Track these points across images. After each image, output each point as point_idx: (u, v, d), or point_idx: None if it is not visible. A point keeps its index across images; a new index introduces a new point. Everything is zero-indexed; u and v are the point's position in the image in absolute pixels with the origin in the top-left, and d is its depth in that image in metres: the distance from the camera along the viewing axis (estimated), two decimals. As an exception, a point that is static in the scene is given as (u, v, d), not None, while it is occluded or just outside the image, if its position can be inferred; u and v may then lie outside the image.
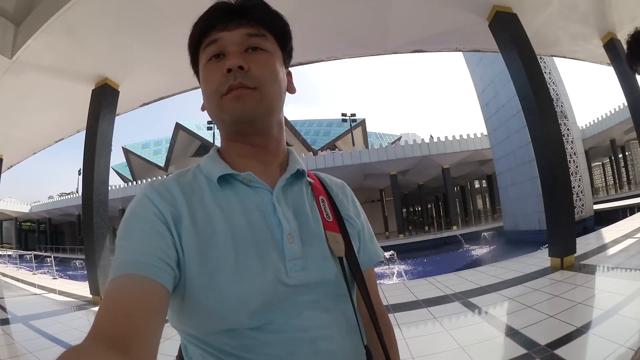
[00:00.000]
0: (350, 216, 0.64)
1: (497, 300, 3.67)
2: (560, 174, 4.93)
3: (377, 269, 10.19)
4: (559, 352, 2.20)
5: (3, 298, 6.51)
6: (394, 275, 9.76)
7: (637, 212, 9.78)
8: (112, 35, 5.02)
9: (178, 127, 34.24)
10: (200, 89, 0.59)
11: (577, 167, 13.09)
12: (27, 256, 13.14)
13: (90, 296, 5.58)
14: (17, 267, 12.37)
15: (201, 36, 0.56)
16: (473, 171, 24.84)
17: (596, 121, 22.27)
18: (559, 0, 5.50)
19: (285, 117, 0.65)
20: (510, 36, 5.23)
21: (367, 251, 0.66)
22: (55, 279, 8.92)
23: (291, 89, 0.63)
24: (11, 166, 9.85)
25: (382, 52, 6.66)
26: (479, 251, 13.56)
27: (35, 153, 9.36)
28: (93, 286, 5.53)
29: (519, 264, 5.25)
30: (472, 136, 20.52)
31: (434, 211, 36.82)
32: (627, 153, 25.78)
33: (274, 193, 0.55)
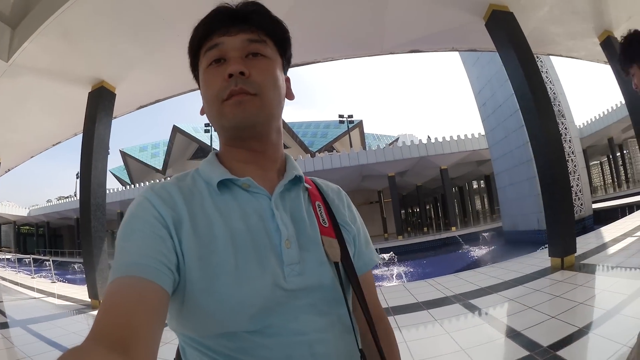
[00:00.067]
0: (346, 221, 0.64)
1: (498, 301, 3.66)
2: (559, 173, 4.92)
3: (376, 271, 10.20)
4: (561, 353, 2.19)
5: (2, 302, 6.49)
6: (394, 277, 9.73)
7: (636, 210, 9.79)
8: (108, 38, 5.01)
9: (175, 129, 34.28)
10: (198, 92, 0.59)
11: (575, 166, 13.12)
12: (26, 260, 13.13)
13: (89, 300, 5.55)
14: (15, 270, 12.40)
15: (202, 40, 0.57)
16: (471, 172, 24.87)
17: (594, 120, 22.36)
18: (555, -1, 5.50)
19: (282, 120, 0.65)
20: (507, 35, 5.23)
21: (363, 256, 0.66)
22: (54, 282, 8.89)
23: (290, 95, 0.64)
24: (9, 169, 9.84)
25: (379, 52, 6.66)
26: (478, 252, 13.52)
27: (33, 156, 9.35)
28: (91, 290, 5.51)
29: (519, 264, 5.25)
30: (469, 136, 20.51)
31: (432, 212, 36.90)
32: (625, 151, 25.89)
33: (272, 199, 0.56)
